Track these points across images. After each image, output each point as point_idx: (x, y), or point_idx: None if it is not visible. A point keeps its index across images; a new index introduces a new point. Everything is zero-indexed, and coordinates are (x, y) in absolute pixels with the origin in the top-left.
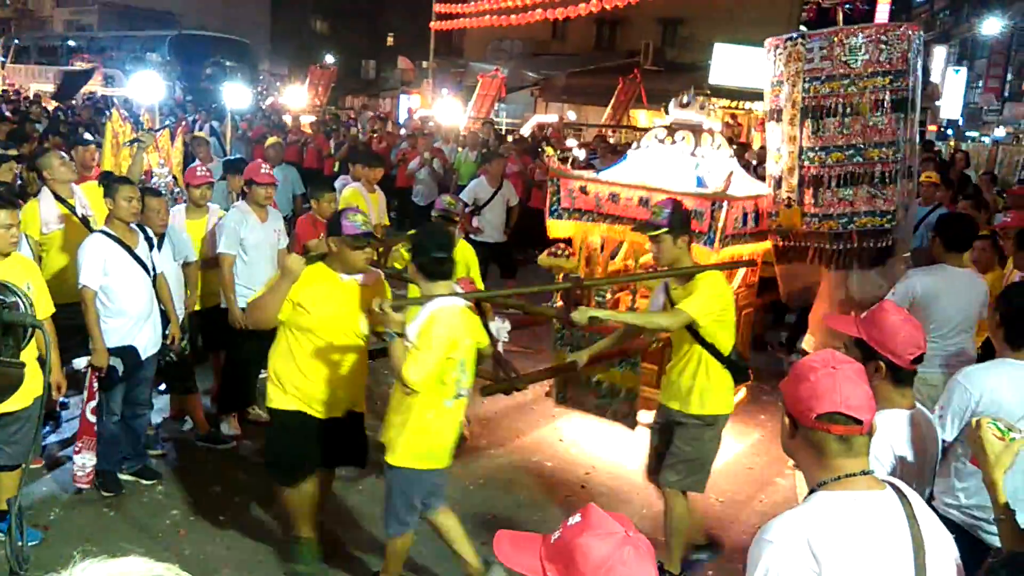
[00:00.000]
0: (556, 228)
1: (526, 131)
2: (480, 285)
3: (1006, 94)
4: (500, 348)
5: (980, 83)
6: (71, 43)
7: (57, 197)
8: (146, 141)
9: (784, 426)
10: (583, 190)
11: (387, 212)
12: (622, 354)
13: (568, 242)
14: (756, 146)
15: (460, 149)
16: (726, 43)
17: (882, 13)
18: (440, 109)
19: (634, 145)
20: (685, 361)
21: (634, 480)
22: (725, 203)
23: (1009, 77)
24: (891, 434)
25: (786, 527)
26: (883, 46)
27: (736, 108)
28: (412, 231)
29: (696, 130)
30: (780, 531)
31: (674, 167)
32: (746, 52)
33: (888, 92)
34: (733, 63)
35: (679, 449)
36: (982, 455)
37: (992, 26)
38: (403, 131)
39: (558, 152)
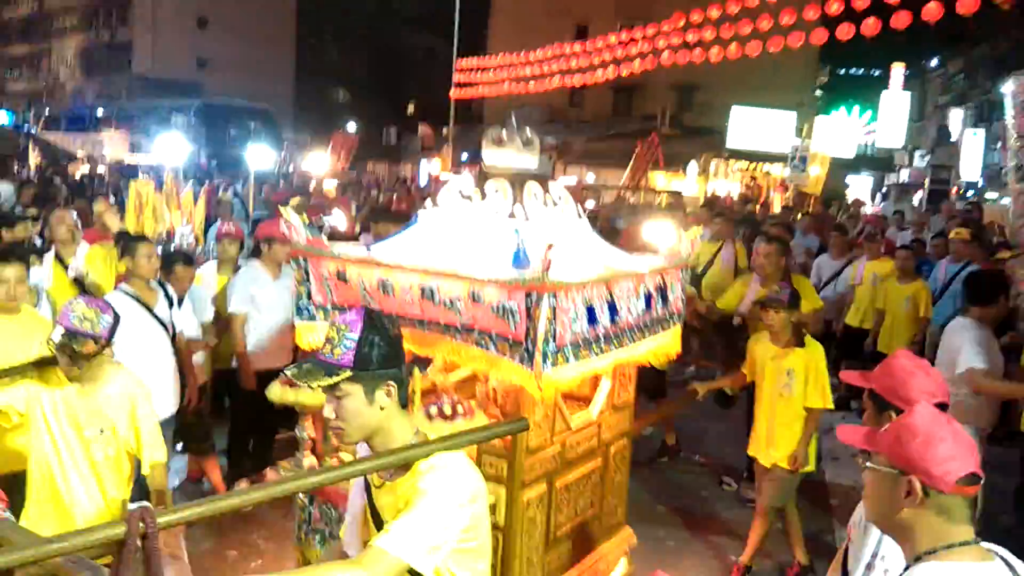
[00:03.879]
0: (306, 334)
1: None
2: None
3: None
4: None
5: (999, 144)
6: (99, 112)
7: (58, 257)
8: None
9: (907, 495)
10: (341, 276)
11: None
12: None
13: None
14: (777, 207)
15: None
16: (743, 106)
17: (896, 78)
18: (460, 174)
19: (427, 203)
20: None
21: None
22: (547, 296)
23: None
24: None
25: None
26: None
27: (755, 170)
28: None
29: (519, 180)
30: None
31: (483, 236)
32: (764, 115)
33: None
34: (751, 126)
35: None
36: None
37: (1008, 87)
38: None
39: (308, 219)
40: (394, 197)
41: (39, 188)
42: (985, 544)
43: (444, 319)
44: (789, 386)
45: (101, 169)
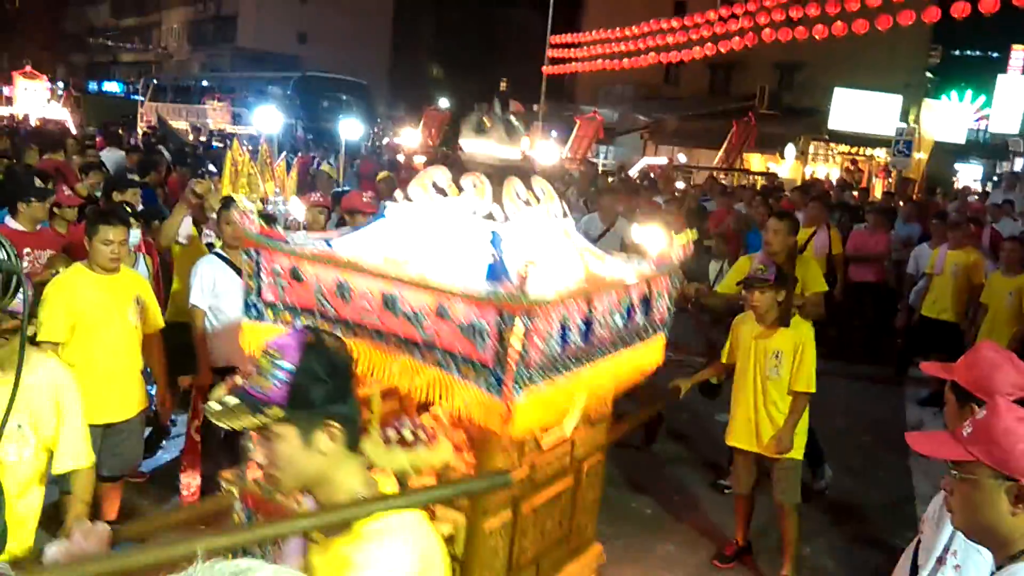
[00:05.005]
0: (253, 337)
1: (634, 172)
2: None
3: None
4: None
5: None
6: (204, 83)
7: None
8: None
9: (1016, 501)
10: (295, 274)
11: None
12: None
13: None
14: (878, 193)
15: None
16: (846, 88)
17: (1016, 60)
18: (539, 150)
19: (397, 195)
20: None
21: None
22: (519, 317)
23: None
24: None
25: None
26: None
27: (857, 154)
28: None
29: (498, 173)
30: None
31: (456, 238)
32: (869, 97)
33: None
34: (854, 108)
35: None
36: None
37: None
38: None
39: (257, 202)
40: None
41: (144, 155)
42: None
43: (403, 332)
44: (777, 369)
45: (204, 139)
